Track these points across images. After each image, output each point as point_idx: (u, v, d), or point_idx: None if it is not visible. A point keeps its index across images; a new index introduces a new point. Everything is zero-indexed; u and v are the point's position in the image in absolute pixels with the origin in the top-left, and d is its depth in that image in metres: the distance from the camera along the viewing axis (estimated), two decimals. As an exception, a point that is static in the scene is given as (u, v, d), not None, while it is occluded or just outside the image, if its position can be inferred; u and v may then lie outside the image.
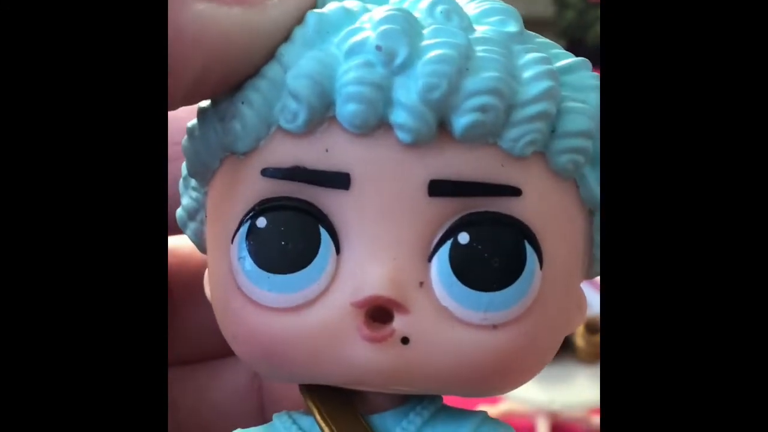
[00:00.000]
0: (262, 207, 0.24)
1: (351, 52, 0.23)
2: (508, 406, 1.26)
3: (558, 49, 0.26)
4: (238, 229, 0.24)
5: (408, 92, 0.23)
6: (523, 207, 0.24)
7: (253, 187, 0.24)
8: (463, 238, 0.24)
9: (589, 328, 1.12)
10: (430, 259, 0.24)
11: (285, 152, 0.24)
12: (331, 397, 0.26)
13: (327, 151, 0.23)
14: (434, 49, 0.23)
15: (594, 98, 0.25)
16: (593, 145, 0.25)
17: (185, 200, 0.28)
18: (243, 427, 0.27)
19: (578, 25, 2.14)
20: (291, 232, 0.24)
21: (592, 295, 1.12)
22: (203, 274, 0.28)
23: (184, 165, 0.28)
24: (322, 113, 0.23)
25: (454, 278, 0.24)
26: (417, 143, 0.23)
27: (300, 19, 0.24)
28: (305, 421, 0.27)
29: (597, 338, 1.10)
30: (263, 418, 0.32)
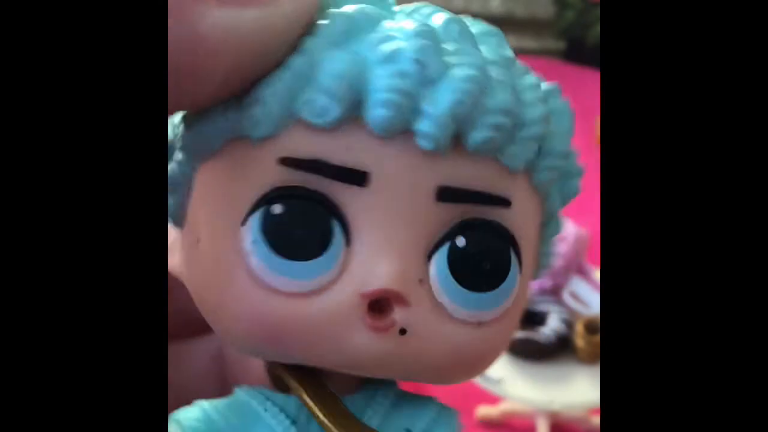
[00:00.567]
0: (278, 194, 0.25)
1: (387, 59, 0.25)
2: (508, 406, 1.26)
3: (532, 74, 0.28)
4: (250, 213, 0.25)
5: (436, 105, 0.24)
6: (510, 217, 0.26)
7: (267, 174, 0.25)
8: (461, 241, 0.26)
9: (589, 328, 1.12)
10: (429, 258, 0.26)
11: (306, 144, 0.25)
12: (308, 378, 0.27)
13: (348, 148, 0.25)
14: (461, 67, 0.25)
15: (568, 121, 0.28)
16: (566, 164, 0.28)
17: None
18: None
19: (578, 25, 2.15)
20: (307, 220, 0.25)
21: (592, 295, 1.12)
22: None
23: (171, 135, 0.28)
24: (350, 112, 0.25)
25: (450, 278, 0.26)
26: (434, 151, 0.25)
27: (312, 12, 0.26)
28: (279, 398, 0.28)
29: (597, 338, 1.10)
30: None
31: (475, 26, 0.27)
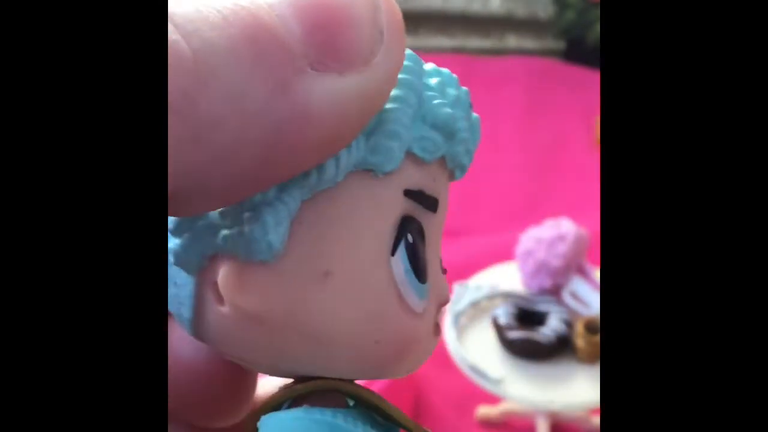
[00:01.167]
0: (406, 223, 0.28)
1: (458, 107, 0.29)
2: (507, 407, 1.26)
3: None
4: (396, 244, 0.28)
5: (467, 147, 0.30)
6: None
7: (396, 205, 0.28)
8: (410, 237, 0.29)
9: (589, 328, 1.12)
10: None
11: (416, 176, 0.28)
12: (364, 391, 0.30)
13: (434, 180, 0.29)
14: (471, 118, 0.30)
15: (470, 108, 0.32)
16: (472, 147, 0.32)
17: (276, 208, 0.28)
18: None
19: (578, 25, 2.14)
20: (422, 246, 0.29)
21: (592, 295, 1.12)
22: None
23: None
24: None
25: (411, 273, 0.28)
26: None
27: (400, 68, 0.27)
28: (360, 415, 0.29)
29: (597, 338, 1.10)
30: None
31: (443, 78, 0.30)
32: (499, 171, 1.75)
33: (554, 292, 1.17)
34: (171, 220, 0.28)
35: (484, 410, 1.28)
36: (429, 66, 0.30)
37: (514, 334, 1.12)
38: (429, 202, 0.28)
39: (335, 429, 0.27)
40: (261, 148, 0.23)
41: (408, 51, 0.28)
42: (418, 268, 0.28)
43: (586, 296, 1.15)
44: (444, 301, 0.29)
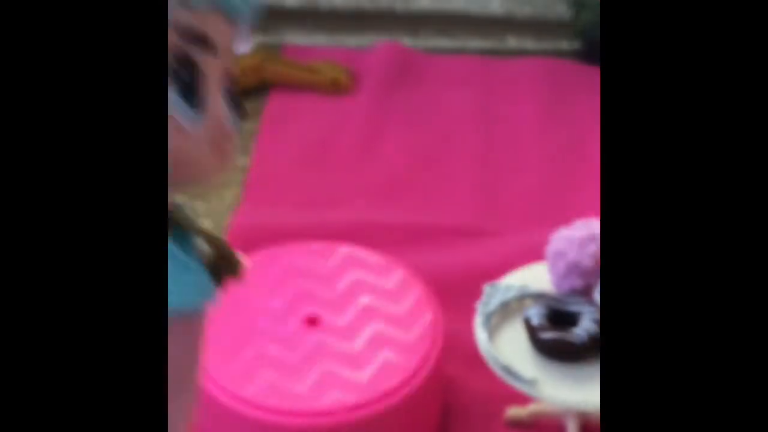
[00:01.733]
0: (181, 61, 0.36)
1: None
2: (537, 407, 1.26)
3: None
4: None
5: None
6: None
7: (172, 45, 0.36)
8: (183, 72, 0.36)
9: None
10: None
11: (187, 20, 0.36)
12: None
13: (208, 25, 0.37)
14: None
15: None
16: None
17: None
18: None
19: (595, 26, 2.13)
20: (197, 80, 0.35)
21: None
22: None
23: None
24: None
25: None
26: None
27: None
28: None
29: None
30: None
31: None
32: (521, 171, 1.75)
33: (585, 292, 1.17)
34: None
35: (513, 411, 1.28)
36: None
37: (547, 335, 1.12)
38: (204, 44, 0.33)
39: None
40: None
41: None
42: (190, 97, 0.32)
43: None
44: (223, 132, 0.34)
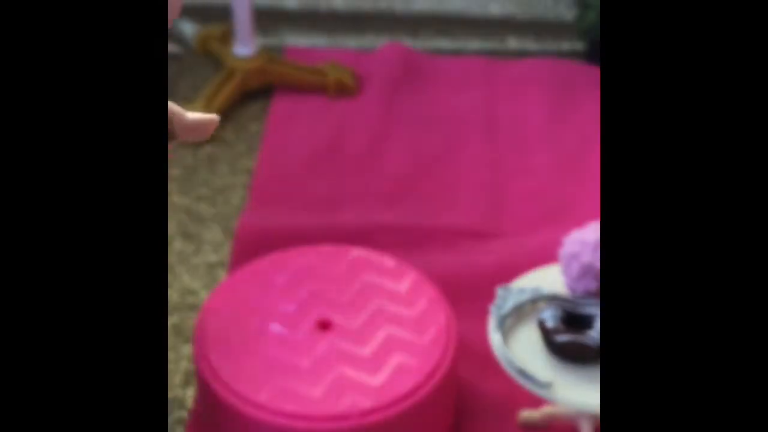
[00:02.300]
0: None
1: None
2: (550, 410, 1.26)
3: None
4: None
5: None
6: None
7: None
8: None
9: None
10: None
11: None
12: None
13: None
14: None
15: None
16: None
17: None
18: None
19: (599, 26, 2.13)
20: None
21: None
22: None
23: None
24: None
25: None
26: None
27: None
28: None
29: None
30: None
31: None
32: (529, 173, 1.75)
33: (599, 294, 1.17)
34: None
35: (526, 414, 1.28)
36: None
37: (562, 338, 1.12)
38: None
39: None
40: None
41: None
42: None
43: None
44: None
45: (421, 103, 1.92)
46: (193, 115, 0.27)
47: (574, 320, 1.15)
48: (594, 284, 1.15)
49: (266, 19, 2.21)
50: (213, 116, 0.27)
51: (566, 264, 1.17)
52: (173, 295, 1.45)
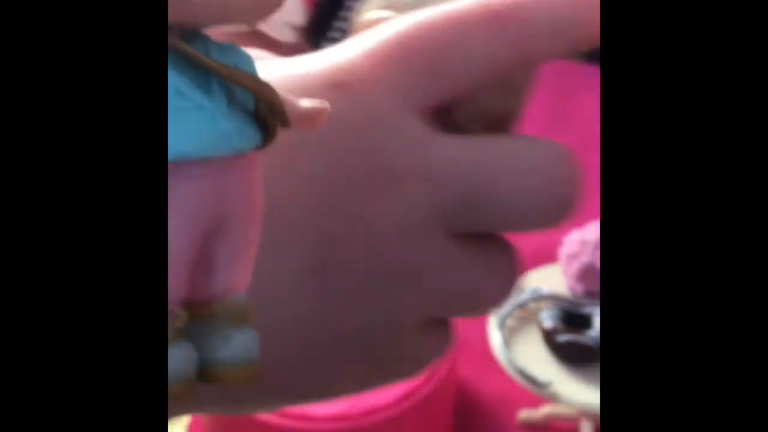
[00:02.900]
0: None
1: None
2: (550, 410, 1.26)
3: None
4: None
5: None
6: None
7: None
8: None
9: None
10: None
11: None
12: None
13: None
14: None
15: None
16: None
17: None
18: None
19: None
20: None
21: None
22: None
23: None
24: None
25: None
26: None
27: None
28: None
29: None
30: None
31: None
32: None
33: (600, 294, 1.17)
34: None
35: (526, 413, 1.28)
36: None
37: (562, 338, 1.12)
38: None
39: None
40: None
41: None
42: None
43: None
44: None
45: (421, 103, 1.92)
46: (306, 103, 0.27)
47: (574, 320, 1.15)
48: (595, 284, 1.15)
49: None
50: (324, 104, 0.27)
51: (566, 264, 1.17)
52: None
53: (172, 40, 0.24)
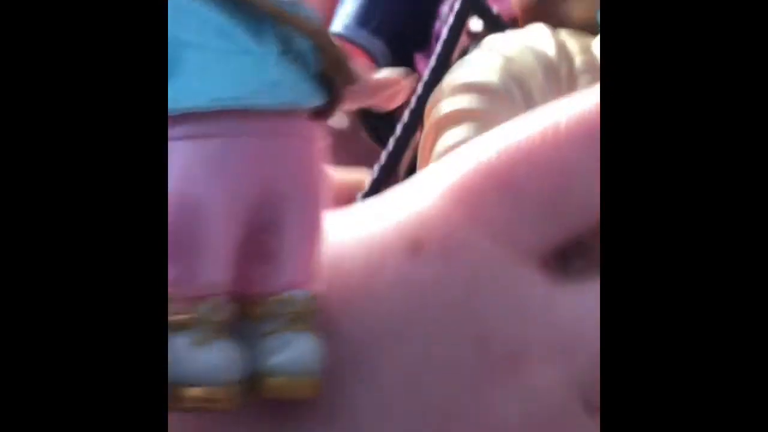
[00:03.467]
0: None
1: None
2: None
3: None
4: None
5: None
6: None
7: None
8: None
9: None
10: None
11: None
12: None
13: None
14: None
15: None
16: None
17: None
18: None
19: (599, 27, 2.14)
20: None
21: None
22: None
23: None
24: None
25: None
26: None
27: None
28: None
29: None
30: None
31: None
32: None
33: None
34: None
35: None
36: None
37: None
38: None
39: None
40: None
41: None
42: None
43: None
44: None
45: (422, 103, 1.93)
46: (381, 73, 0.24)
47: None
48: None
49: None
50: (399, 76, 0.24)
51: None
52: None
53: None
